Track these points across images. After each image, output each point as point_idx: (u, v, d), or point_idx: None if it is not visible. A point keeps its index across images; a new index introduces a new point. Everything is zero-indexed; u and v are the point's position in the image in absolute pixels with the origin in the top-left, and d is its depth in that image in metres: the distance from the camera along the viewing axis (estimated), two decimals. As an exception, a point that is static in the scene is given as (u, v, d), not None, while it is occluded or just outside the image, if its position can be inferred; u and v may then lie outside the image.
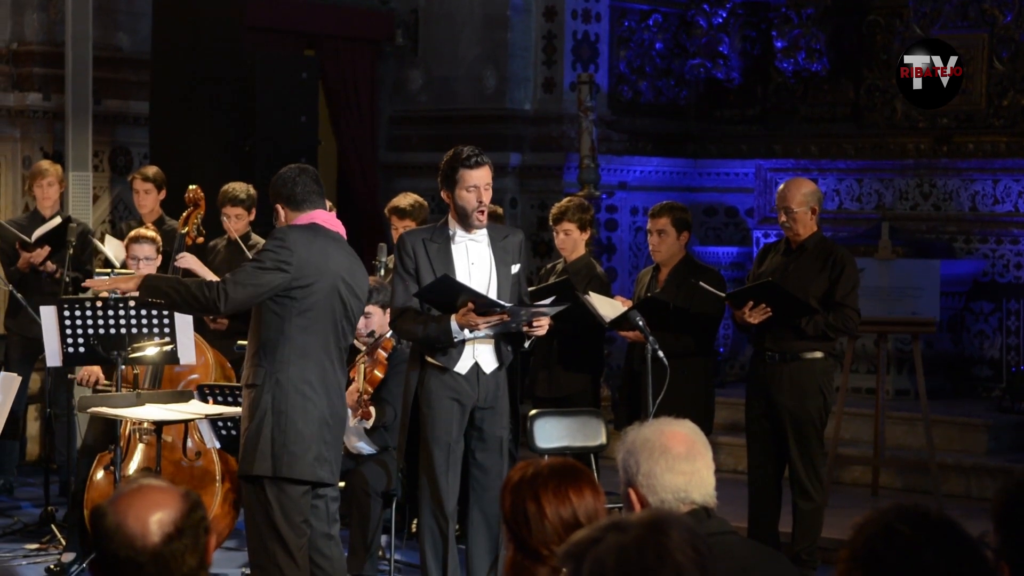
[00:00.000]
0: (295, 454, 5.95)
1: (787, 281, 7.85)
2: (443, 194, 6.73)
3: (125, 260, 8.56)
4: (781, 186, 8.14)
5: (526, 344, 6.85)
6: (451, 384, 6.69)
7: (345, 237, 6.32)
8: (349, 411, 7.71)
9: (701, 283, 7.92)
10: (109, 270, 9.19)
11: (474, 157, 6.63)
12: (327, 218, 6.19)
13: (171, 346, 7.56)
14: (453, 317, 6.55)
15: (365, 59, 12.97)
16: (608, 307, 7.95)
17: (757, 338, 8.01)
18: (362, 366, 7.63)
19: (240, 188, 9.05)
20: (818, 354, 7.89)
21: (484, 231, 6.74)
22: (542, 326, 6.70)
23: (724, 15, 13.38)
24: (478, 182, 6.61)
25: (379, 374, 7.65)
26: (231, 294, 5.93)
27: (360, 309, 6.27)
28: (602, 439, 7.98)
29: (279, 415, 5.95)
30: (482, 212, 6.66)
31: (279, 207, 6.16)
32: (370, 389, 7.59)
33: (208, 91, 10.72)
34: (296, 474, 5.97)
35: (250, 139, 10.79)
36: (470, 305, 6.51)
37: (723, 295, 7.92)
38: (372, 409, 7.57)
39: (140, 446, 7.91)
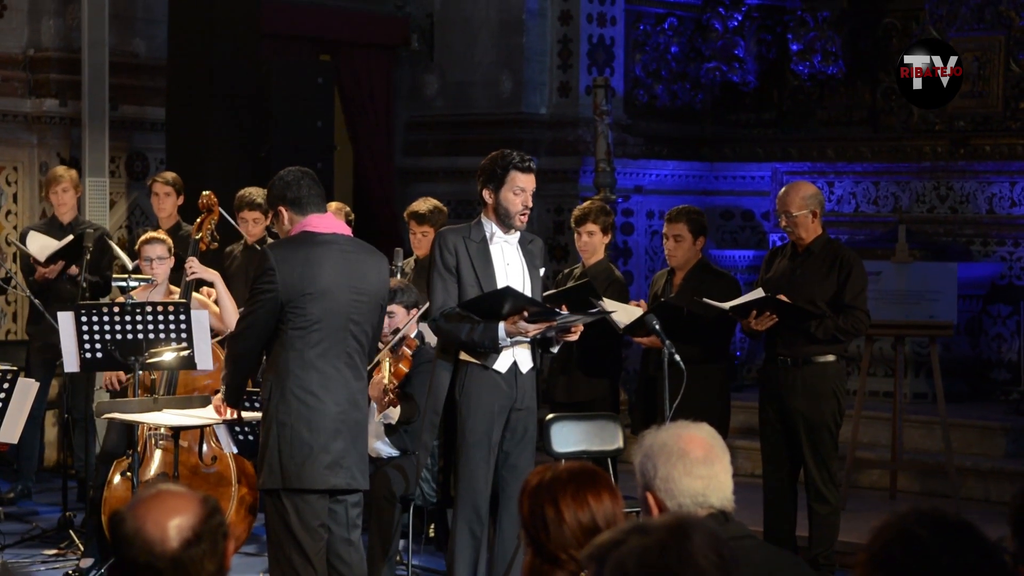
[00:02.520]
0: (302, 464, 5.91)
1: (795, 285, 7.82)
2: (485, 192, 6.75)
3: (138, 263, 8.58)
4: (781, 191, 8.10)
5: (554, 348, 6.91)
6: (491, 384, 6.71)
7: (349, 233, 6.26)
8: (374, 406, 7.74)
9: (705, 299, 7.87)
10: (126, 275, 9.22)
11: (527, 161, 6.75)
12: (319, 222, 6.08)
13: (188, 351, 7.57)
14: (502, 324, 6.57)
15: (381, 64, 12.99)
16: (623, 313, 7.94)
17: (768, 343, 7.99)
18: (387, 361, 7.64)
19: (257, 192, 9.07)
20: (830, 357, 7.86)
21: (517, 234, 6.81)
22: (577, 332, 6.81)
23: (739, 18, 13.37)
24: (526, 186, 6.70)
25: (404, 368, 7.67)
26: (247, 343, 6.07)
27: (370, 306, 6.13)
28: (619, 443, 7.98)
29: (283, 427, 5.93)
30: (524, 215, 6.74)
31: (282, 210, 6.10)
32: (395, 382, 7.59)
33: (224, 97, 10.74)
34: (306, 484, 5.93)
35: (266, 145, 10.81)
36: (525, 313, 6.56)
37: (726, 307, 7.86)
38: (396, 403, 7.58)
39: (157, 452, 7.92)
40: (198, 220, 8.15)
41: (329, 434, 5.94)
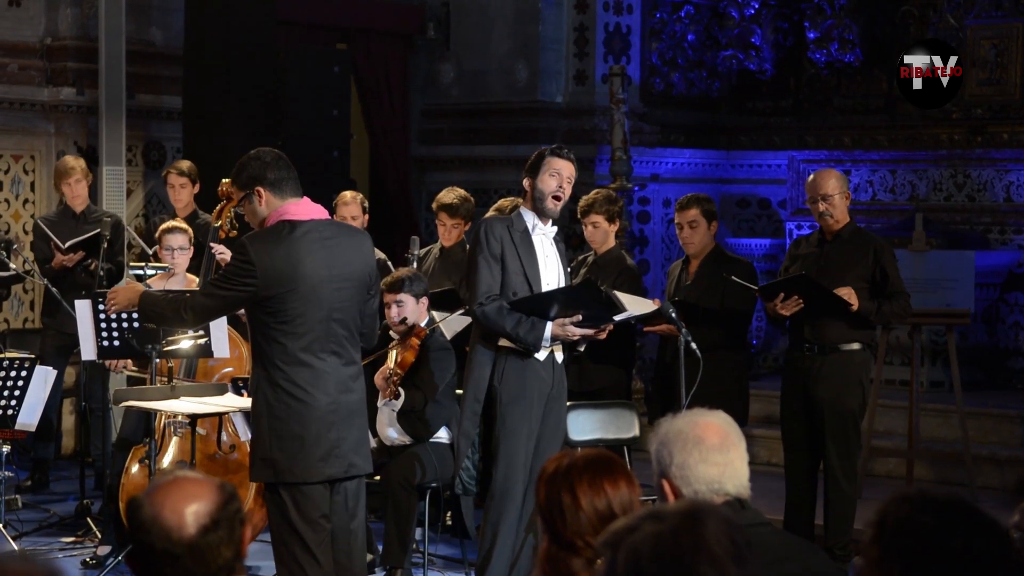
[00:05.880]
0: (294, 458, 5.78)
1: (824, 271, 7.84)
2: (525, 182, 6.86)
3: (157, 250, 8.61)
4: (810, 177, 8.11)
5: (580, 347, 6.99)
6: (532, 371, 6.77)
7: (326, 215, 6.01)
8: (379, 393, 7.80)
9: (733, 277, 7.92)
10: (143, 263, 9.24)
11: (564, 150, 6.92)
12: (296, 209, 5.83)
13: (205, 339, 7.58)
14: (551, 326, 6.67)
15: (397, 53, 12.99)
16: (636, 306, 7.95)
17: (794, 330, 7.99)
18: (394, 351, 7.68)
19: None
20: (856, 346, 7.87)
21: (554, 228, 6.90)
22: (606, 332, 6.95)
23: (756, 6, 13.34)
24: (562, 169, 6.82)
25: (410, 357, 7.69)
26: (197, 312, 5.88)
27: (355, 290, 5.89)
28: (635, 431, 7.99)
29: (274, 420, 5.78)
30: (557, 199, 6.82)
31: (260, 191, 5.81)
32: (400, 372, 7.62)
33: (241, 85, 10.76)
34: (299, 478, 5.80)
35: (282, 133, 10.82)
36: (578, 317, 6.65)
37: (755, 287, 7.91)
38: (401, 390, 7.62)
39: (174, 439, 7.94)
40: (218, 208, 8.14)
41: (322, 426, 5.79)
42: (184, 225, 8.43)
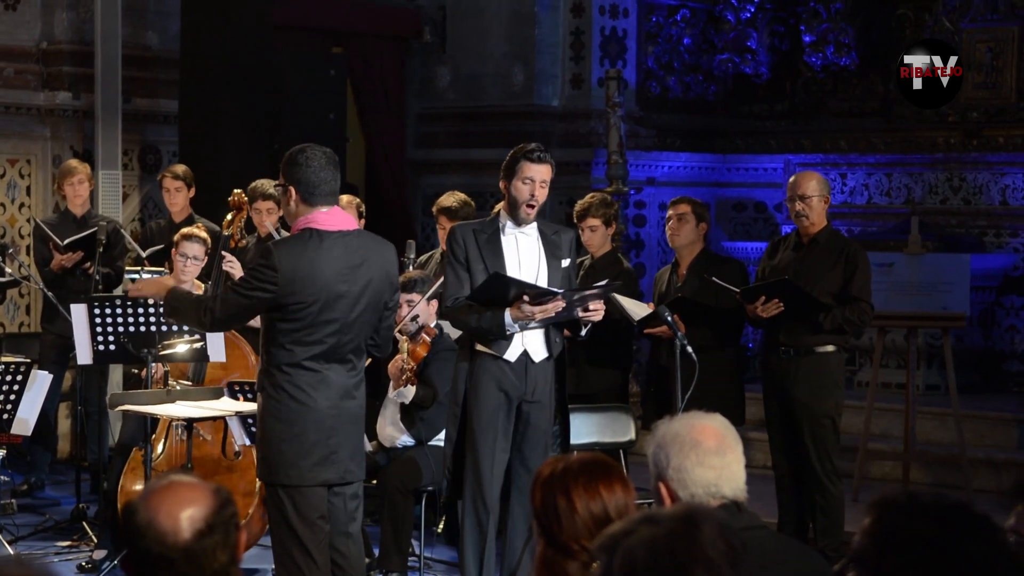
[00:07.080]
0: (293, 461, 5.83)
1: (799, 276, 7.87)
2: (501, 184, 6.81)
3: (161, 249, 8.57)
4: (791, 179, 8.19)
5: (583, 332, 6.88)
6: (499, 375, 6.73)
7: (354, 226, 6.06)
8: (390, 385, 7.81)
9: (714, 278, 7.93)
10: (139, 268, 9.23)
11: (537, 152, 6.75)
12: (326, 219, 5.86)
13: (201, 343, 7.58)
14: (508, 310, 6.60)
15: (393, 56, 12.99)
16: (635, 307, 7.98)
17: (770, 333, 8.02)
18: (405, 344, 7.69)
19: (270, 184, 9.07)
20: (831, 348, 7.91)
21: (534, 225, 6.83)
22: (599, 310, 6.77)
23: (752, 10, 13.36)
24: (535, 176, 6.71)
25: (422, 352, 7.73)
26: (216, 315, 5.92)
27: (371, 302, 5.93)
28: (631, 435, 8.00)
29: (276, 422, 5.84)
30: (531, 207, 6.74)
31: (293, 191, 5.83)
32: (412, 363, 7.65)
33: (237, 89, 10.75)
34: (295, 480, 5.85)
35: (278, 137, 10.82)
36: (525, 297, 6.58)
37: (736, 290, 7.91)
38: (414, 381, 7.65)
39: (177, 443, 7.93)
40: (228, 217, 8.13)
41: (322, 431, 5.84)
42: (204, 234, 8.28)
